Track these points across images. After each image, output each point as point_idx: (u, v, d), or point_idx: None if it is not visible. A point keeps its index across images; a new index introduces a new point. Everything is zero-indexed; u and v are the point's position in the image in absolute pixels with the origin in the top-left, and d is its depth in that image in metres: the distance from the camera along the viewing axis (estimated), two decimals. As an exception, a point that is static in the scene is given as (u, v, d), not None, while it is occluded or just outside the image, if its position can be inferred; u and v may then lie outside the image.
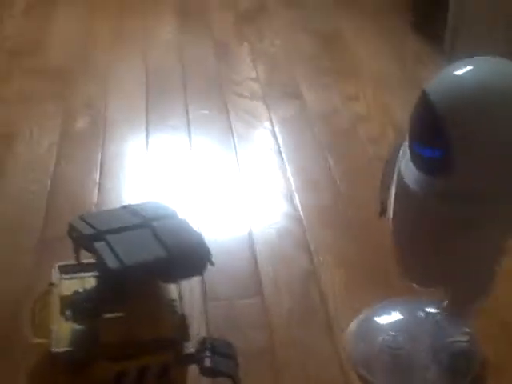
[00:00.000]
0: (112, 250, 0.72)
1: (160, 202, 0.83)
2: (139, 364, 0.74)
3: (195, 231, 0.77)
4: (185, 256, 0.74)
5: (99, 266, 0.74)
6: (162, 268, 0.73)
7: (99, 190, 1.26)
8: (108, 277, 0.72)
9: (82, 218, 0.79)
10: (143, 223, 0.77)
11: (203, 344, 0.79)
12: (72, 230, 0.77)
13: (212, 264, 0.76)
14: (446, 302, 0.88)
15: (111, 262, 0.71)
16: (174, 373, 0.76)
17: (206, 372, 0.77)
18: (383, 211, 0.87)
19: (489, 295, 0.83)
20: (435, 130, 0.68)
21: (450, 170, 0.68)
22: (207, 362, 0.77)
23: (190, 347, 0.79)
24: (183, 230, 0.78)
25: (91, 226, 0.77)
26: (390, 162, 0.80)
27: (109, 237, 0.74)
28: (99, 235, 0.75)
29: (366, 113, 1.46)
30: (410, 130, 0.72)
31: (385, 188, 0.84)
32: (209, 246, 0.76)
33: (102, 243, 0.73)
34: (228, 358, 0.78)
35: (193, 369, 0.81)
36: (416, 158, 0.72)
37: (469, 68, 0.69)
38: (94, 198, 1.23)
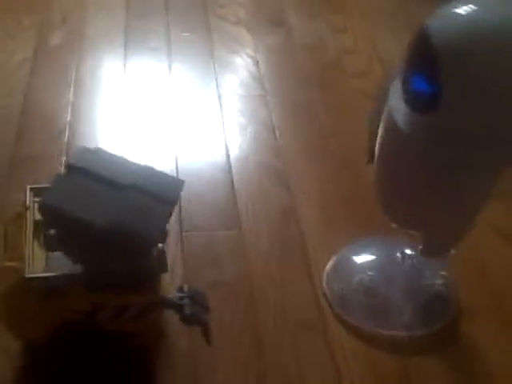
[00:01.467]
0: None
1: (173, 183, 0.75)
2: (119, 301, 0.72)
3: (157, 226, 0.71)
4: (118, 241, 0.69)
5: None
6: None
7: (72, 108, 1.21)
8: None
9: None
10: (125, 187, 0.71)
11: (182, 291, 0.77)
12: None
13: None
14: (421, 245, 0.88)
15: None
16: (151, 316, 0.74)
17: (185, 319, 0.76)
18: (371, 159, 0.85)
19: (464, 239, 0.82)
20: (428, 63, 0.66)
21: (437, 106, 0.66)
22: (187, 310, 0.75)
23: (170, 294, 0.78)
24: (145, 218, 0.69)
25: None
26: (381, 97, 0.77)
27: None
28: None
29: (353, 46, 1.42)
30: (406, 61, 0.70)
31: (373, 135, 0.81)
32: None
33: None
34: (204, 309, 0.77)
35: (166, 315, 0.80)
36: (406, 90, 0.70)
37: (470, 5, 0.66)
38: (68, 117, 1.19)
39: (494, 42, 0.64)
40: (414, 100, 0.70)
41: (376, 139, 0.79)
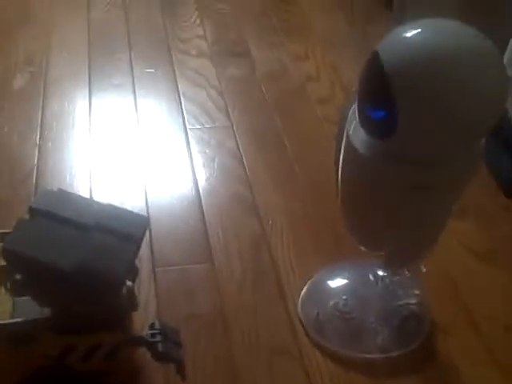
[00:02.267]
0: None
1: (138, 220, 0.75)
2: (89, 341, 0.72)
3: (123, 270, 0.70)
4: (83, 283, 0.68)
5: None
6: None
7: (39, 150, 1.21)
8: None
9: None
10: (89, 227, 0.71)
11: (154, 329, 0.77)
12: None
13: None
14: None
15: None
16: (122, 354, 0.74)
17: (157, 357, 0.75)
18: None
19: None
20: (381, 89, 0.66)
21: (393, 132, 0.66)
22: (159, 347, 0.74)
23: (143, 331, 0.78)
24: (111, 259, 0.69)
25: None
26: (340, 128, 0.78)
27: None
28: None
29: (315, 73, 1.44)
30: (359, 89, 0.71)
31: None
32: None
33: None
34: (177, 345, 0.76)
35: (139, 350, 0.80)
36: (363, 119, 0.71)
37: (419, 29, 0.67)
38: (35, 160, 1.19)
39: (443, 64, 0.65)
40: (371, 127, 0.70)
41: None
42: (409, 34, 0.67)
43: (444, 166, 0.70)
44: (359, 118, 0.72)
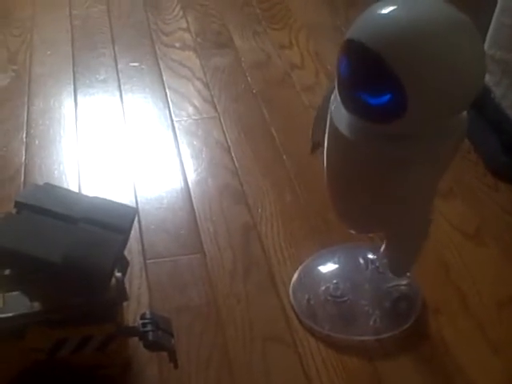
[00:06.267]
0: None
1: (125, 211, 0.74)
2: (80, 333, 0.72)
3: (109, 261, 0.69)
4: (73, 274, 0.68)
5: None
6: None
7: (26, 148, 1.21)
8: None
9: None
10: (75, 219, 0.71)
11: (145, 318, 0.77)
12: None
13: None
14: (382, 249, 0.89)
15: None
16: (115, 345, 0.74)
17: (149, 346, 0.76)
18: (314, 148, 0.86)
19: (426, 241, 0.84)
20: (379, 74, 0.65)
21: (403, 113, 0.65)
22: (150, 336, 0.75)
23: (134, 321, 0.78)
24: (99, 250, 0.69)
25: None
26: (324, 105, 0.78)
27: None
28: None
29: (300, 60, 1.44)
30: (349, 79, 0.69)
31: (317, 126, 0.82)
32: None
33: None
34: (168, 334, 0.77)
35: (132, 341, 0.80)
36: (361, 107, 0.68)
37: (391, 7, 0.66)
38: (22, 158, 1.19)
39: (420, 39, 0.64)
40: (376, 113, 0.68)
41: (319, 129, 0.79)
42: (383, 12, 0.66)
43: (425, 141, 0.70)
44: (352, 107, 0.70)
